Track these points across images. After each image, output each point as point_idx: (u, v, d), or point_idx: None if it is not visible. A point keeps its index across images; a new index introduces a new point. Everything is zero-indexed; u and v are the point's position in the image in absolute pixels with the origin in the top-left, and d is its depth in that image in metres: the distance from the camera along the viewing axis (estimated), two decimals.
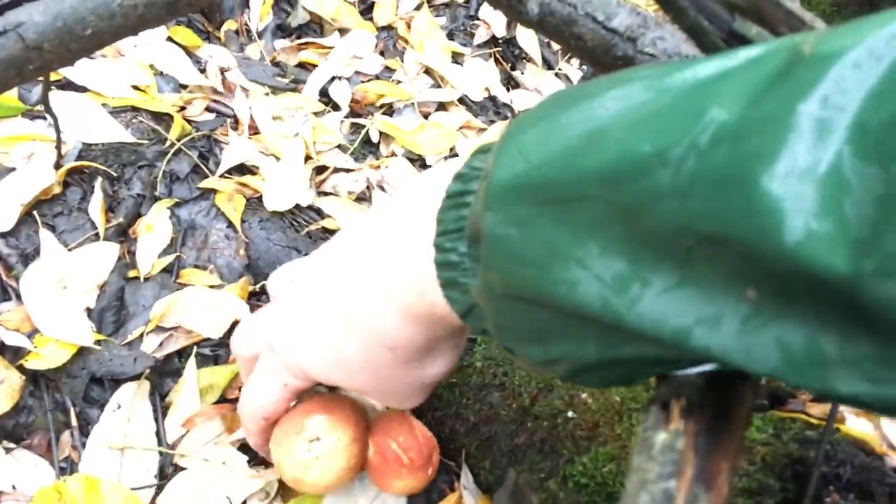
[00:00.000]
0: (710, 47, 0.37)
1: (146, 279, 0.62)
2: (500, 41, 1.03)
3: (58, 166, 0.63)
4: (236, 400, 0.54)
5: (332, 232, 0.69)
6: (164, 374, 0.58)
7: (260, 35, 0.92)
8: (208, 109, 0.77)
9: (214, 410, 0.56)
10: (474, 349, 0.56)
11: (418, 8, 1.01)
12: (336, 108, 0.85)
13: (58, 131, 0.62)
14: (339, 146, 0.79)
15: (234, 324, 0.60)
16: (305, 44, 0.92)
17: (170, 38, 0.80)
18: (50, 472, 0.52)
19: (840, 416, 0.45)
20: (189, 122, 0.74)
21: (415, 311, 0.37)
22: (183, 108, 0.75)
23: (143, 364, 0.57)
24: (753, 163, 0.20)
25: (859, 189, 0.19)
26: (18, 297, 0.57)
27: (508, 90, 0.98)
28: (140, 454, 0.54)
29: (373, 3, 1.00)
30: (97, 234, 0.62)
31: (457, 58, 0.98)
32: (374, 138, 0.83)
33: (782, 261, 0.20)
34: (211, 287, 0.62)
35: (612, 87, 0.26)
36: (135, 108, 0.71)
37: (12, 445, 0.53)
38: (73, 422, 0.55)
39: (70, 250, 0.61)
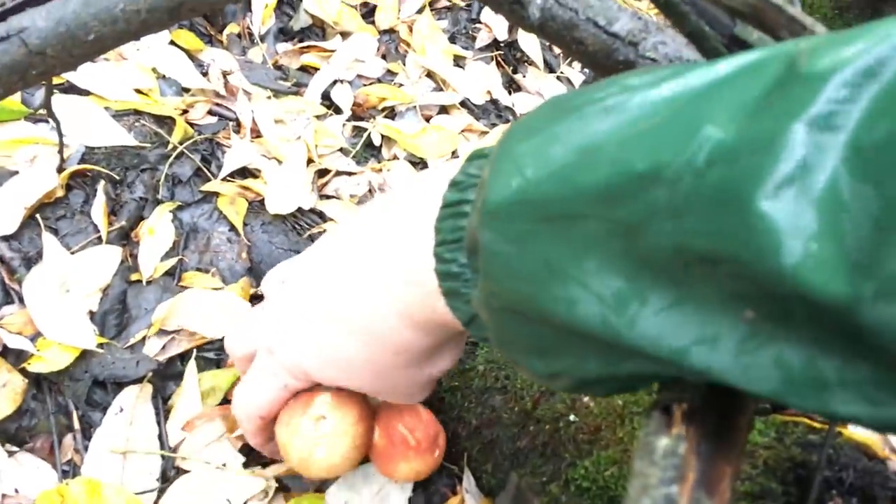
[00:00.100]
0: (711, 52, 0.37)
1: (148, 282, 0.62)
2: (502, 44, 1.04)
3: (60, 170, 0.64)
4: None
5: None
6: (166, 377, 0.58)
7: (262, 38, 0.92)
8: (210, 113, 0.77)
9: (215, 411, 0.56)
10: (476, 353, 0.56)
11: (420, 11, 1.01)
12: (338, 111, 0.85)
13: (60, 135, 0.62)
14: (341, 149, 0.80)
15: None
16: (307, 47, 0.92)
17: (172, 42, 0.81)
18: (52, 475, 0.52)
19: None
20: (191, 125, 0.74)
21: (418, 317, 0.37)
22: (185, 112, 0.75)
23: (146, 367, 0.57)
24: (750, 183, 0.20)
25: (856, 209, 0.19)
26: (21, 300, 0.57)
27: (510, 93, 0.98)
28: (142, 457, 0.54)
29: (374, 7, 1.00)
30: (100, 238, 0.62)
31: (458, 61, 0.98)
32: (376, 141, 0.83)
33: (780, 282, 0.20)
34: (213, 290, 0.62)
35: (605, 98, 0.26)
36: (137, 112, 0.71)
37: (15, 449, 0.53)
38: (76, 425, 0.55)
39: (73, 253, 0.61)
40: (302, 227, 0.70)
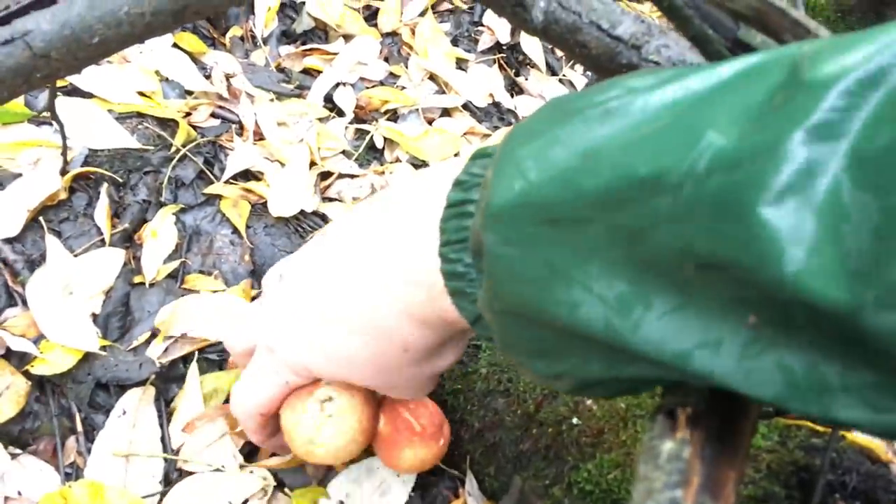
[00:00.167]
0: (714, 56, 0.37)
1: (151, 285, 0.62)
2: (505, 47, 1.04)
3: (64, 172, 0.64)
4: None
5: None
6: (168, 379, 0.58)
7: (265, 41, 0.92)
8: (213, 115, 0.77)
9: (216, 411, 0.56)
10: (479, 355, 0.56)
11: (423, 14, 1.01)
12: (341, 113, 0.85)
13: (64, 137, 0.62)
14: (343, 152, 0.80)
15: None
16: (310, 50, 0.92)
17: (175, 45, 0.81)
18: (55, 477, 0.52)
19: None
20: (194, 127, 0.74)
21: (424, 315, 0.37)
22: (188, 114, 0.75)
23: (149, 370, 0.57)
24: (751, 191, 0.20)
25: (858, 218, 0.19)
26: (24, 302, 0.57)
27: (512, 96, 0.98)
28: (145, 460, 0.54)
29: (377, 10, 1.00)
30: (103, 240, 0.63)
31: (461, 64, 0.99)
32: (379, 144, 0.83)
33: (781, 289, 0.20)
34: (215, 293, 0.63)
35: (607, 101, 0.26)
36: (140, 114, 0.71)
37: (18, 451, 0.53)
38: (79, 427, 0.55)
39: (76, 256, 0.61)
40: (304, 229, 0.70)
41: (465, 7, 1.06)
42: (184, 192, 0.69)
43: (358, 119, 0.86)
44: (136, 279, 0.62)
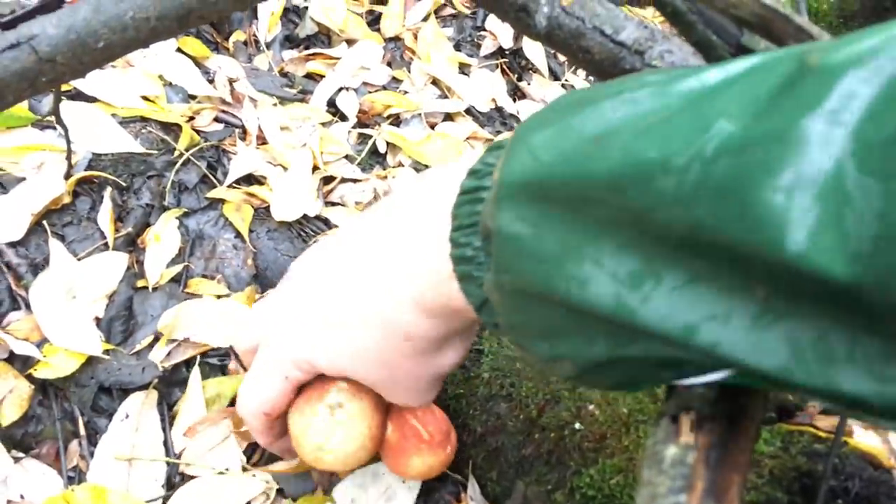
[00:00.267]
0: (717, 61, 0.37)
1: (154, 289, 0.62)
2: (507, 52, 1.04)
3: (67, 176, 0.64)
4: None
5: None
6: (171, 383, 0.58)
7: (268, 46, 0.92)
8: (217, 120, 0.77)
9: (219, 414, 0.56)
10: (481, 360, 0.56)
11: (425, 19, 1.02)
12: (343, 118, 0.85)
13: (68, 141, 0.62)
14: (346, 156, 0.80)
15: None
16: (313, 54, 0.92)
17: (179, 49, 0.81)
18: (58, 481, 0.53)
19: (848, 430, 0.45)
20: (197, 132, 0.74)
21: (431, 304, 0.37)
22: (191, 119, 0.76)
23: (151, 374, 0.57)
24: (756, 174, 0.21)
25: (861, 203, 0.20)
26: (28, 306, 0.57)
27: (515, 101, 0.99)
28: (147, 464, 0.54)
29: (380, 15, 1.01)
30: (106, 244, 0.63)
31: (464, 69, 0.99)
32: (382, 149, 0.84)
33: (786, 269, 0.20)
34: (219, 297, 0.63)
35: (622, 91, 0.26)
36: (144, 119, 0.71)
37: (21, 455, 0.53)
38: (82, 431, 0.55)
39: (79, 260, 0.61)
40: (307, 233, 0.70)
41: (467, 12, 1.07)
42: (187, 197, 0.69)
43: (361, 123, 0.86)
44: (140, 283, 0.62)
